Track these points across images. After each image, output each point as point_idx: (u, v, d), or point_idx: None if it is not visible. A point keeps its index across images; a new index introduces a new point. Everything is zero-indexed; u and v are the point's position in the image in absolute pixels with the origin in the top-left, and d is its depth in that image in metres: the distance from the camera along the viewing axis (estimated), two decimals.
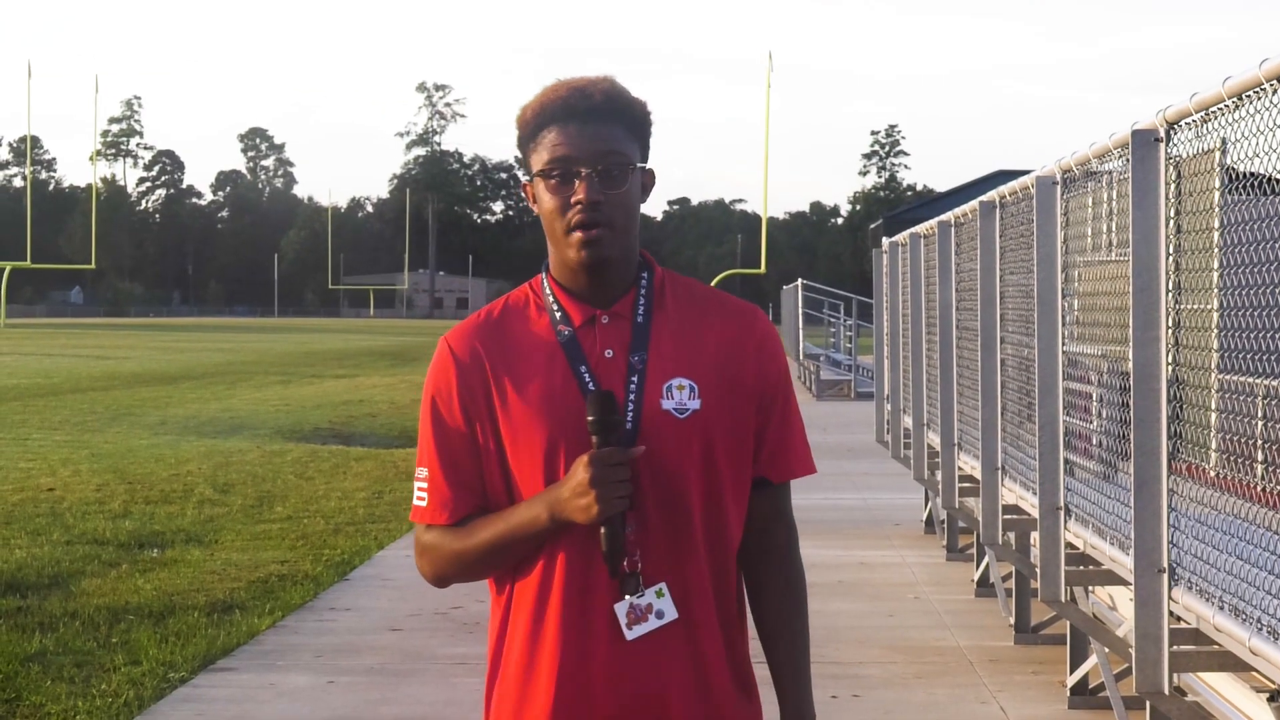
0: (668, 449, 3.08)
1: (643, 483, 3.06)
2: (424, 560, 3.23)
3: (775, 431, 3.22)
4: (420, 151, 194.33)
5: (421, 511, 3.21)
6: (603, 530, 3.02)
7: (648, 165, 3.21)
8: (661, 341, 3.15)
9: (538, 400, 3.11)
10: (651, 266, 3.24)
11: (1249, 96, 5.04)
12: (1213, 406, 5.67)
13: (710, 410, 3.12)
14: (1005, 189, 9.22)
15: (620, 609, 3.07)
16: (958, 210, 11.16)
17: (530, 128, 3.16)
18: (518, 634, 3.14)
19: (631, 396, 3.10)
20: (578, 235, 3.09)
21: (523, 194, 3.25)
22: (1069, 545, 7.55)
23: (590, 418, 3.03)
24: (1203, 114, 5.46)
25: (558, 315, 3.17)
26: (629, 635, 3.06)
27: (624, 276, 3.18)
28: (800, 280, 47.42)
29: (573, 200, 3.09)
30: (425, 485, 3.20)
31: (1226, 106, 5.23)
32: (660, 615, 3.07)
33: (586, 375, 3.11)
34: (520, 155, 3.22)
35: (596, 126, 3.10)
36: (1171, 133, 5.77)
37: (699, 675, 3.11)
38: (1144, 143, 5.87)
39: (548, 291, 3.21)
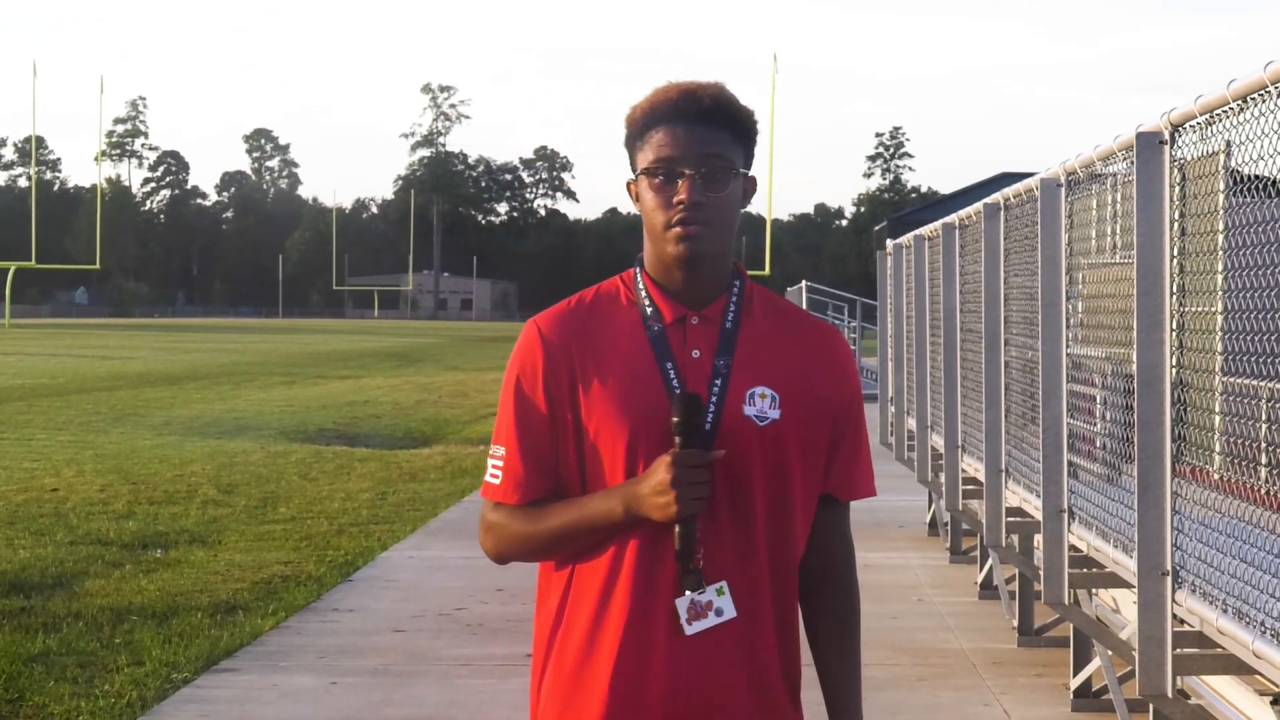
0: (743, 454, 3.13)
1: (715, 483, 3.11)
2: (488, 537, 3.27)
3: (846, 451, 3.30)
4: (425, 153, 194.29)
5: (494, 489, 3.25)
6: (677, 529, 3.07)
7: (750, 172, 3.26)
8: (748, 349, 3.20)
9: (621, 393, 3.15)
10: (743, 276, 3.29)
11: (1253, 99, 5.04)
12: (1217, 409, 5.66)
13: (789, 422, 3.18)
14: (1010, 191, 9.21)
15: (681, 604, 3.11)
16: (962, 212, 11.16)
17: (638, 127, 3.21)
18: (579, 619, 3.18)
19: (714, 399, 3.15)
20: (677, 231, 3.15)
21: (626, 190, 3.29)
22: (1072, 548, 7.54)
23: (675, 419, 3.07)
24: (1207, 116, 5.46)
25: (649, 311, 3.22)
26: (688, 630, 3.11)
27: (717, 280, 3.23)
28: (804, 282, 47.38)
29: (675, 200, 3.14)
30: (500, 463, 3.24)
31: (1231, 109, 5.23)
32: (720, 613, 3.12)
33: (672, 373, 3.15)
34: (627, 153, 3.26)
35: (703, 130, 3.16)
36: (1176, 135, 5.76)
37: (752, 675, 3.16)
38: (1149, 145, 5.87)
39: (641, 286, 3.25)
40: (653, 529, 3.10)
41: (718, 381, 3.16)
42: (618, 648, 3.12)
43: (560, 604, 3.22)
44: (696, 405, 3.08)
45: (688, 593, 3.11)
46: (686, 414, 3.07)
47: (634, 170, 3.23)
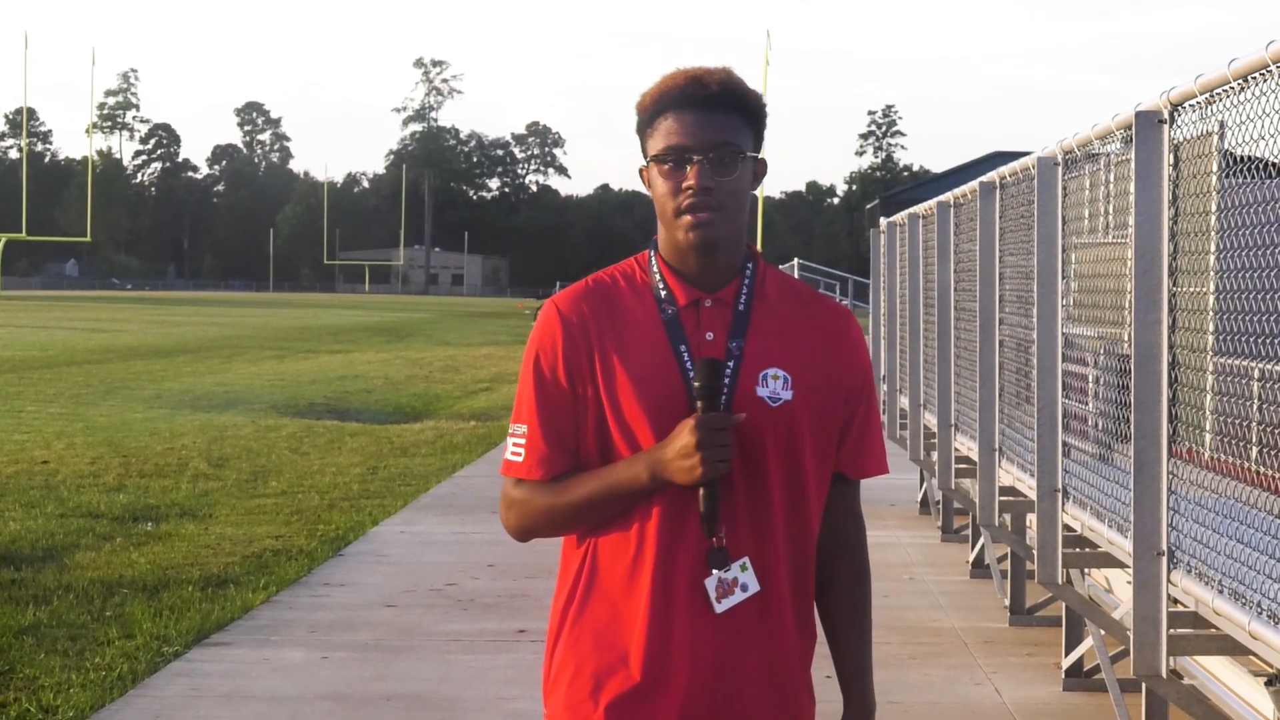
0: (757, 435, 3.18)
1: (734, 453, 3.17)
2: (511, 513, 3.32)
3: (858, 430, 3.35)
4: (417, 127, 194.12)
5: (516, 466, 3.29)
6: (702, 492, 3.13)
7: (760, 155, 3.30)
8: (761, 331, 3.26)
9: (637, 373, 3.21)
10: (756, 258, 3.34)
11: (1254, 79, 5.02)
12: (1208, 389, 5.66)
13: (801, 402, 3.23)
14: (1005, 170, 9.19)
15: (710, 583, 3.17)
16: (957, 191, 11.14)
17: (648, 114, 3.26)
18: (605, 585, 3.24)
19: (727, 380, 3.19)
20: (687, 218, 3.20)
21: (639, 177, 3.35)
22: (1066, 527, 7.54)
23: (697, 383, 3.13)
24: (1207, 96, 5.44)
25: (663, 294, 3.27)
26: (718, 608, 3.18)
27: (730, 263, 3.28)
28: (796, 260, 47.45)
29: (684, 185, 3.20)
30: (523, 441, 3.29)
31: (1231, 89, 5.21)
32: (745, 588, 3.19)
33: (686, 356, 3.21)
34: (638, 139, 3.30)
35: (711, 115, 3.21)
36: (1175, 114, 5.74)
37: (773, 651, 3.23)
38: (1147, 124, 5.85)
39: (655, 270, 3.31)
40: (674, 500, 3.16)
41: (731, 363, 3.21)
42: (645, 623, 3.18)
43: (576, 577, 3.28)
44: (718, 369, 3.15)
45: (715, 572, 3.17)
46: (708, 378, 3.13)
47: (645, 157, 3.28)
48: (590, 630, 3.23)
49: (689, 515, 3.16)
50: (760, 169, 3.31)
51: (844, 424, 3.32)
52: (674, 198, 3.20)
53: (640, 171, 3.32)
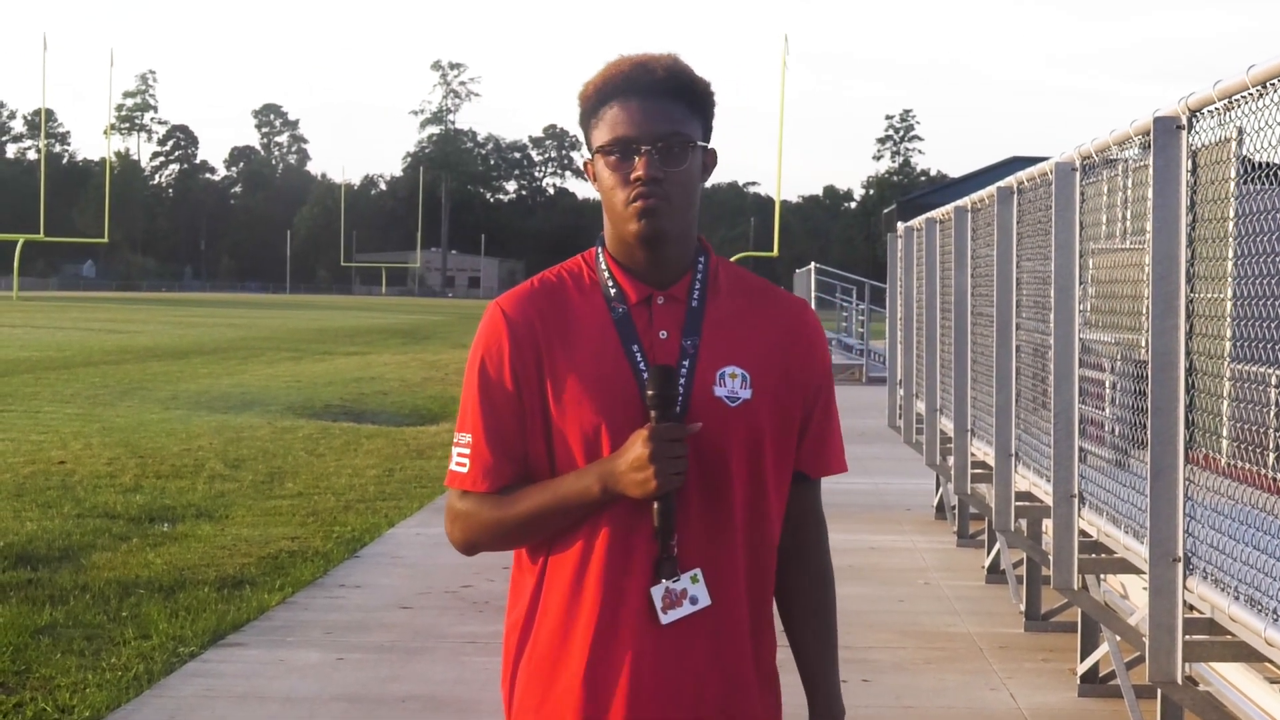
0: (715, 436, 3.05)
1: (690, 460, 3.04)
2: (456, 526, 3.18)
3: (817, 427, 3.22)
4: (434, 130, 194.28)
5: (460, 477, 3.16)
6: (656, 506, 3.00)
7: (709, 145, 3.17)
8: (715, 328, 3.13)
9: (588, 375, 3.07)
10: (708, 251, 3.21)
11: (1273, 85, 5.01)
12: (1225, 395, 5.65)
13: (761, 401, 3.10)
14: (1023, 175, 9.18)
15: (656, 593, 3.04)
16: (974, 196, 11.13)
17: (592, 103, 3.13)
18: (551, 607, 3.11)
19: (682, 380, 3.07)
20: (636, 206, 3.06)
21: (584, 171, 3.22)
22: (1082, 533, 7.52)
23: (650, 392, 3.01)
24: (1225, 102, 5.43)
25: (612, 292, 3.14)
26: (664, 619, 3.03)
27: (681, 258, 3.15)
28: (813, 264, 47.35)
29: (632, 176, 3.06)
30: (467, 451, 3.15)
31: (1250, 95, 5.20)
32: (694, 601, 3.05)
33: (639, 355, 3.08)
34: (582, 131, 3.18)
35: (658, 103, 3.08)
36: (1194, 120, 5.73)
37: (725, 663, 3.09)
38: (1165, 130, 5.84)
39: (603, 267, 3.18)
40: (625, 513, 3.04)
41: (686, 362, 3.09)
42: (591, 636, 3.05)
43: (534, 592, 3.15)
44: (671, 377, 3.02)
45: (663, 581, 3.04)
46: (661, 386, 3.01)
47: (589, 149, 3.16)
48: (546, 654, 3.10)
49: (639, 528, 3.03)
50: (710, 159, 3.16)
51: (803, 421, 3.18)
52: (621, 190, 3.07)
53: (585, 165, 3.19)
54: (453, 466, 3.19)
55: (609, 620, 3.05)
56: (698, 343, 3.10)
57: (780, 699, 3.24)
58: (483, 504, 3.13)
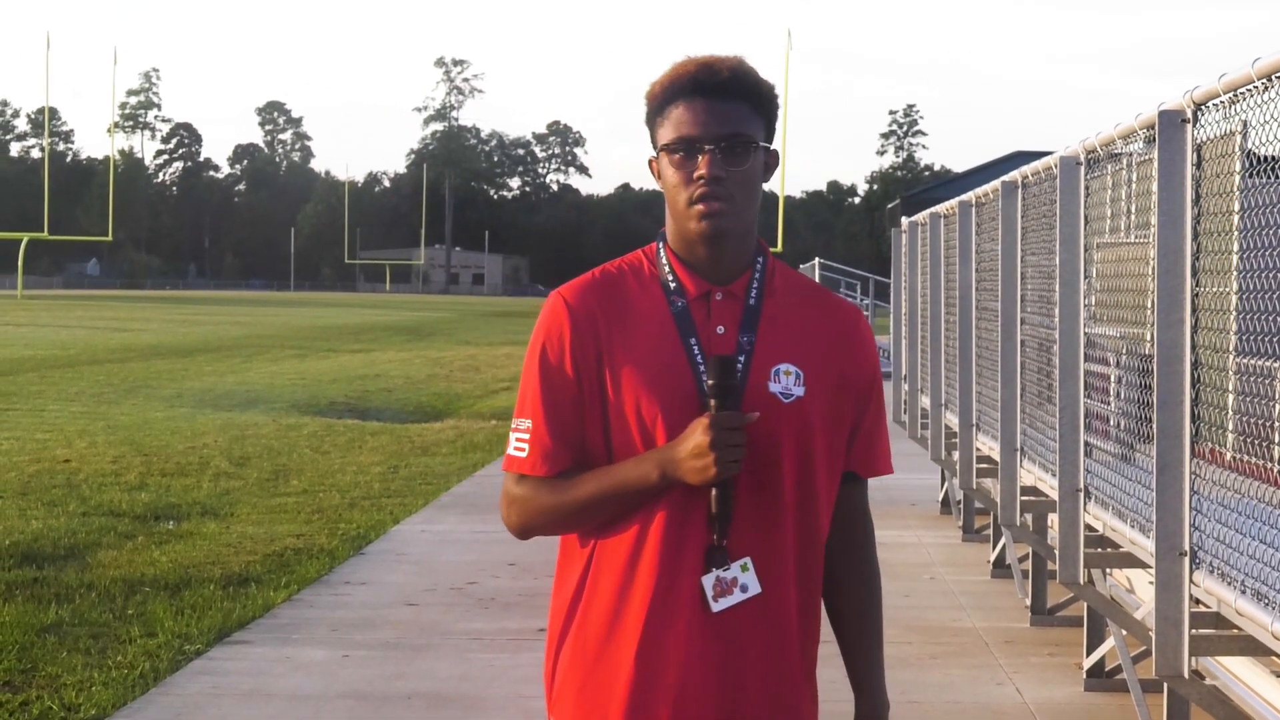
0: (767, 430, 3.11)
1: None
2: (513, 510, 3.23)
3: (868, 429, 3.29)
4: (438, 127, 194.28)
5: (520, 462, 3.21)
6: (714, 492, 3.06)
7: (772, 146, 3.23)
8: (772, 326, 3.20)
9: (646, 367, 3.14)
10: (765, 252, 3.27)
11: (1278, 78, 5.00)
12: (1231, 389, 5.64)
13: (813, 399, 3.17)
14: (1028, 169, 9.17)
15: (708, 581, 3.10)
16: (979, 190, 11.12)
17: (658, 102, 3.19)
18: (601, 591, 3.17)
19: (738, 375, 3.13)
20: (699, 208, 3.13)
21: (648, 168, 3.28)
22: (1088, 527, 7.52)
23: (710, 381, 3.07)
24: (1230, 95, 5.42)
25: (672, 286, 3.21)
26: (715, 607, 3.10)
27: (741, 255, 3.21)
28: (817, 259, 47.32)
29: (695, 175, 3.13)
30: (526, 436, 3.20)
31: (1255, 88, 5.19)
32: (745, 589, 3.11)
33: (696, 349, 3.15)
34: (647, 130, 3.24)
35: (722, 103, 3.14)
36: (1199, 114, 5.72)
37: (773, 651, 3.16)
38: (1171, 124, 5.83)
39: (664, 261, 3.24)
40: (680, 500, 3.09)
41: (741, 358, 3.14)
42: (643, 622, 3.11)
43: (581, 578, 3.20)
44: (731, 367, 3.08)
45: (713, 570, 3.10)
46: (721, 376, 3.07)
47: (654, 147, 3.21)
48: (595, 636, 3.16)
49: (694, 515, 3.10)
50: (771, 160, 3.22)
51: (854, 422, 3.26)
52: (685, 188, 3.14)
53: (650, 163, 3.26)
54: (511, 451, 3.24)
55: (661, 606, 3.11)
56: (753, 339, 3.17)
57: (816, 692, 3.30)
58: (540, 488, 3.19)
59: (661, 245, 3.26)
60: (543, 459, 3.18)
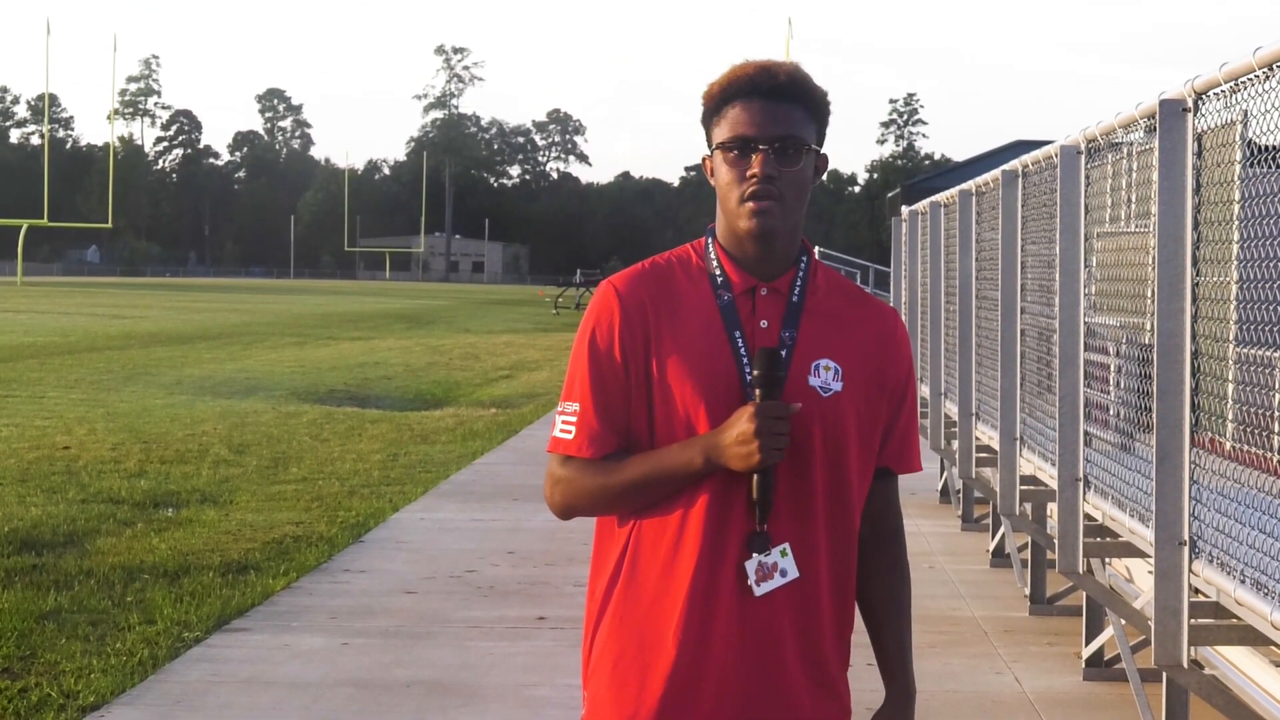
0: (805, 422, 3.20)
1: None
2: (557, 490, 3.32)
3: (902, 427, 3.39)
4: (438, 114, 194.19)
5: (566, 444, 3.30)
6: (755, 479, 3.16)
7: (823, 150, 3.33)
8: (812, 323, 3.29)
9: (691, 358, 3.23)
10: (809, 252, 3.37)
11: (1279, 68, 5.00)
12: (1231, 379, 5.64)
13: (851, 395, 3.27)
14: (1028, 158, 9.17)
15: (750, 566, 3.19)
16: (979, 179, 11.12)
17: (715, 102, 3.28)
18: (642, 573, 3.26)
19: (783, 367, 3.21)
20: (750, 206, 3.22)
21: (701, 166, 3.37)
22: (1087, 517, 7.52)
23: (756, 372, 3.16)
24: (1231, 85, 5.42)
25: (719, 280, 3.30)
26: (758, 591, 3.19)
27: (787, 254, 3.31)
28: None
29: (748, 174, 3.22)
30: (574, 419, 3.30)
31: (1256, 78, 5.19)
32: (784, 574, 3.21)
33: (740, 341, 3.24)
34: (703, 129, 3.32)
35: (778, 105, 3.23)
36: (1199, 103, 5.72)
37: (810, 634, 3.26)
38: (1171, 113, 5.83)
39: (712, 256, 3.34)
40: (723, 485, 3.18)
41: (783, 352, 3.24)
42: (684, 603, 3.20)
43: (620, 559, 3.29)
44: (776, 359, 3.17)
45: (755, 554, 3.19)
46: (767, 367, 3.15)
47: (710, 146, 3.31)
48: (633, 614, 3.24)
49: (735, 501, 3.18)
50: (822, 164, 3.33)
51: (889, 420, 3.36)
52: (737, 186, 3.22)
53: (704, 160, 3.35)
54: (557, 433, 3.33)
55: (703, 588, 3.20)
56: (795, 335, 3.27)
57: (847, 679, 3.38)
58: (585, 470, 3.28)
59: (711, 240, 3.36)
60: (589, 441, 3.27)
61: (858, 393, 3.27)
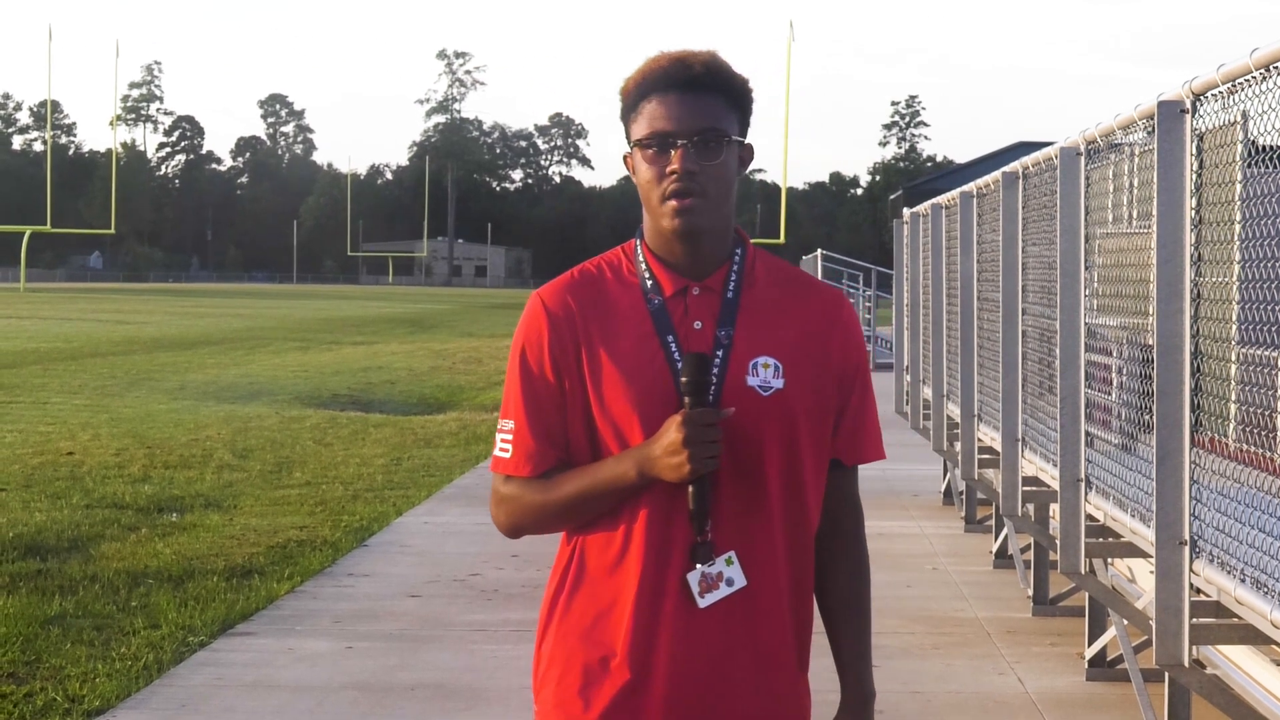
0: (748, 425, 3.10)
1: (723, 448, 3.09)
2: (501, 510, 3.26)
3: (852, 415, 3.27)
4: (440, 119, 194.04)
5: (504, 463, 3.23)
6: (691, 489, 3.06)
7: (746, 140, 3.22)
8: (750, 318, 3.18)
9: (624, 365, 3.14)
10: (745, 243, 3.26)
11: (1277, 68, 5.01)
12: (1231, 379, 5.65)
13: (794, 390, 3.15)
14: (1029, 160, 9.18)
15: (693, 578, 3.10)
16: (980, 181, 11.13)
17: (631, 98, 3.18)
18: (586, 587, 3.18)
19: (715, 370, 3.12)
20: (672, 204, 3.12)
21: (623, 164, 3.27)
22: (1089, 517, 7.53)
23: (684, 379, 3.06)
24: (1229, 85, 5.43)
25: (649, 283, 3.20)
26: (702, 603, 3.10)
27: (717, 250, 3.20)
28: (820, 250, 47.31)
29: (669, 170, 3.11)
30: (510, 437, 3.22)
31: (1254, 78, 5.20)
32: (730, 583, 3.11)
33: (673, 345, 3.14)
34: (622, 125, 3.22)
35: (696, 98, 3.12)
36: (1198, 104, 5.73)
37: (760, 642, 3.16)
38: (1170, 114, 5.84)
39: (640, 259, 3.23)
40: (663, 496, 3.10)
41: (720, 353, 3.13)
42: (630, 618, 3.12)
43: (564, 573, 3.22)
44: (704, 364, 3.07)
45: (698, 566, 3.10)
46: (694, 373, 3.06)
47: (629, 143, 3.21)
48: (578, 627, 3.17)
49: (677, 512, 3.09)
50: (746, 154, 3.21)
51: (839, 409, 3.24)
52: (658, 183, 3.12)
53: (625, 158, 3.24)
54: (496, 452, 3.26)
55: (648, 602, 3.11)
56: (732, 333, 3.15)
57: (808, 683, 3.29)
58: (526, 488, 3.21)
59: (639, 242, 3.25)
60: (526, 459, 3.20)
61: (804, 386, 3.16)
